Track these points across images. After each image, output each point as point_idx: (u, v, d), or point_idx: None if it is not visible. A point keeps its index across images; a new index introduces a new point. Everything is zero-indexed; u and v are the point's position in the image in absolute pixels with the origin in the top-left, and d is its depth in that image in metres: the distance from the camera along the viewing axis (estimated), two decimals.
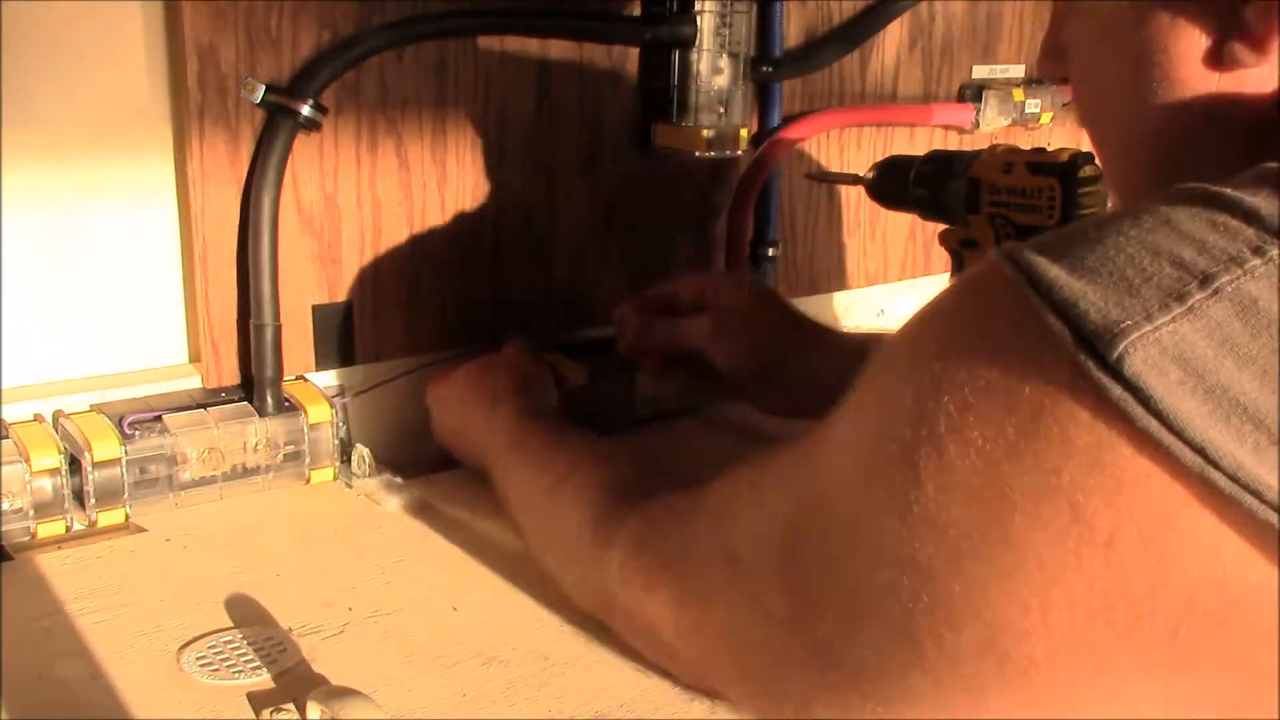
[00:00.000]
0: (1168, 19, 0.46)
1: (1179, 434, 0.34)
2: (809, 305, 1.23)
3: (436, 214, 0.96)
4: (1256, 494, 0.33)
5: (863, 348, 0.91)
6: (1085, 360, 0.35)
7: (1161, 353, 0.35)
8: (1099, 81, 0.52)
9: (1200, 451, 0.34)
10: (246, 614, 0.70)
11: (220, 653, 0.65)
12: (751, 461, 0.53)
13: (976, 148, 0.93)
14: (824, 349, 0.87)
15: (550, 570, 0.72)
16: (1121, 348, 0.35)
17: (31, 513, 0.77)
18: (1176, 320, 0.35)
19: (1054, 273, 0.37)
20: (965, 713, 0.41)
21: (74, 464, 0.80)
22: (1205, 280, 0.35)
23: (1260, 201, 0.36)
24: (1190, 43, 0.46)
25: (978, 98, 1.26)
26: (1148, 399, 0.34)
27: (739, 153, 1.05)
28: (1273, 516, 0.33)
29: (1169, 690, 0.38)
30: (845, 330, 0.91)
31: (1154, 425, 0.34)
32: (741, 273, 1.12)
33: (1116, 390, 0.35)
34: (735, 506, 0.53)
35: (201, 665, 0.64)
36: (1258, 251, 0.35)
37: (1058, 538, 0.36)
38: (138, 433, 0.82)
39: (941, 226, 0.96)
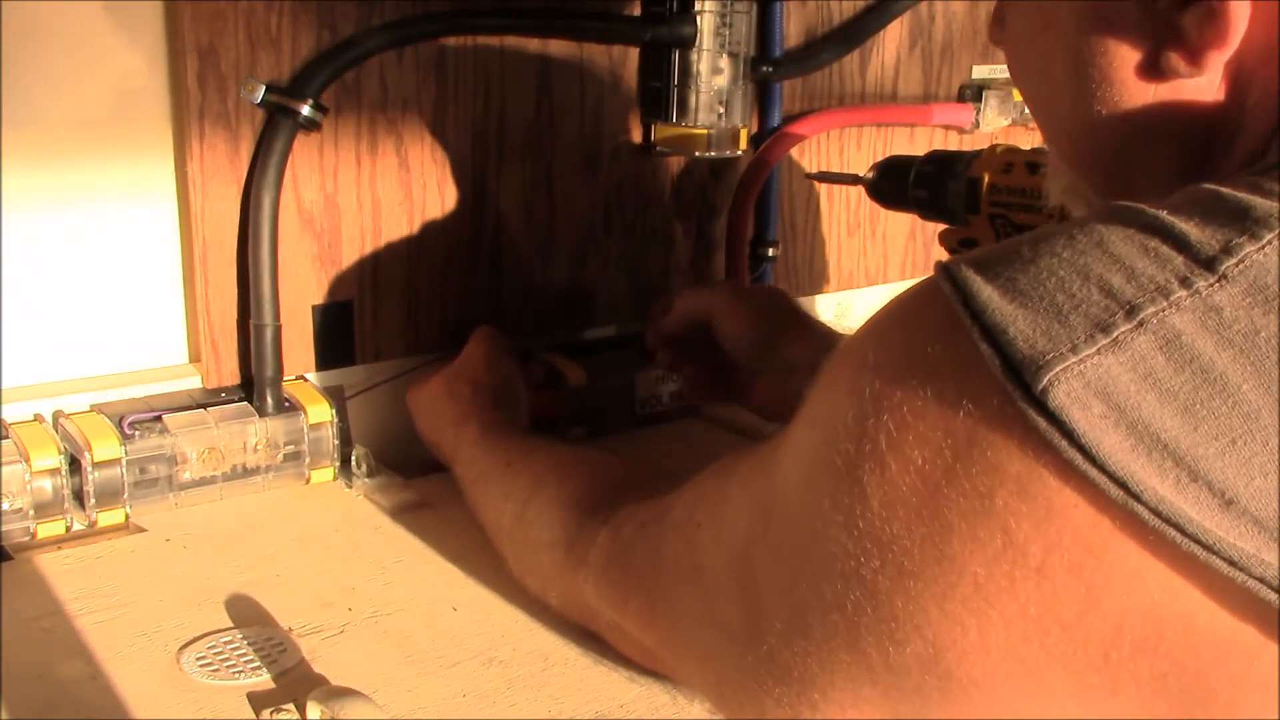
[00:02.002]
0: (1104, 27, 0.45)
1: (1101, 467, 0.34)
2: (809, 306, 1.23)
3: (436, 214, 0.96)
4: (1178, 526, 0.34)
5: None
6: (1013, 389, 0.35)
7: (1085, 386, 0.35)
8: (1038, 72, 0.50)
9: (1123, 485, 0.34)
10: (246, 614, 0.70)
11: (220, 653, 0.65)
12: (717, 470, 0.54)
13: (976, 148, 0.93)
14: (817, 343, 0.88)
15: (533, 592, 0.71)
16: (1046, 380, 0.35)
17: (31, 513, 0.77)
18: (1101, 353, 0.35)
19: (987, 294, 0.37)
20: None
21: (74, 464, 0.80)
22: (1131, 311, 0.35)
23: (1191, 228, 0.36)
24: (1125, 52, 0.44)
25: (978, 98, 1.26)
26: (1070, 432, 0.34)
27: (739, 153, 1.05)
28: (1195, 548, 0.34)
29: (1103, 710, 0.38)
30: (834, 329, 0.92)
31: (1078, 458, 0.34)
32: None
33: (1041, 423, 0.35)
34: (699, 519, 0.53)
35: (201, 665, 0.64)
36: (1184, 283, 0.35)
37: (992, 560, 0.36)
38: (138, 433, 0.82)
39: (941, 226, 0.96)
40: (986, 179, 0.89)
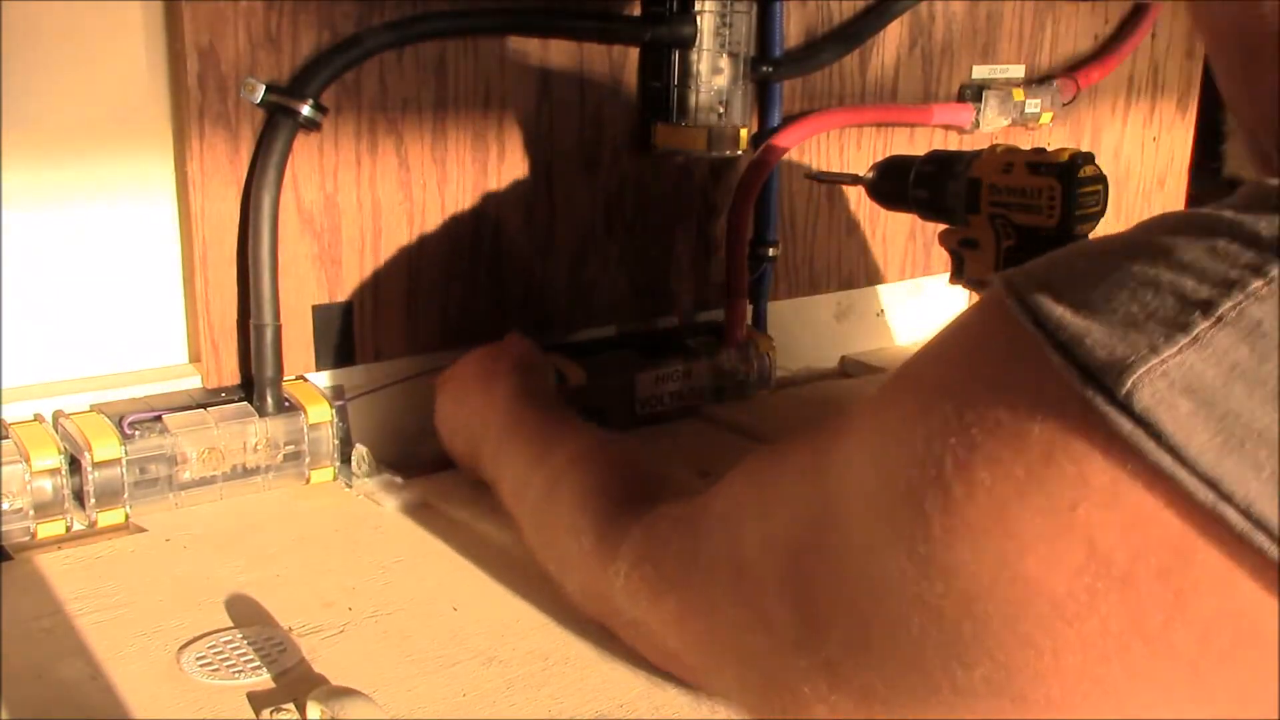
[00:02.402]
0: None
1: (1191, 468, 0.33)
2: (809, 305, 1.23)
3: (436, 214, 0.96)
4: (1267, 530, 0.33)
5: None
6: (1094, 396, 0.35)
7: (1170, 385, 0.34)
8: (1238, 24, 0.46)
9: (1213, 485, 0.33)
10: (246, 614, 0.70)
11: (220, 653, 0.65)
12: (756, 469, 0.53)
13: (976, 148, 0.93)
14: None
15: (549, 572, 0.71)
16: (1130, 382, 0.34)
17: (31, 513, 0.77)
18: (1183, 351, 0.34)
19: (1059, 312, 0.37)
20: None
21: (74, 464, 0.80)
22: (1208, 308, 0.35)
23: (1258, 222, 0.36)
24: None
25: (978, 98, 1.26)
26: (1159, 433, 0.34)
27: (739, 153, 1.05)
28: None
29: None
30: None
31: (1166, 460, 0.34)
32: (737, 309, 1.12)
33: (1127, 425, 0.34)
34: (741, 516, 0.52)
35: (201, 665, 0.64)
36: (1258, 272, 0.34)
37: (1073, 575, 0.36)
38: (138, 433, 0.82)
39: (941, 226, 0.96)
40: (986, 179, 0.89)
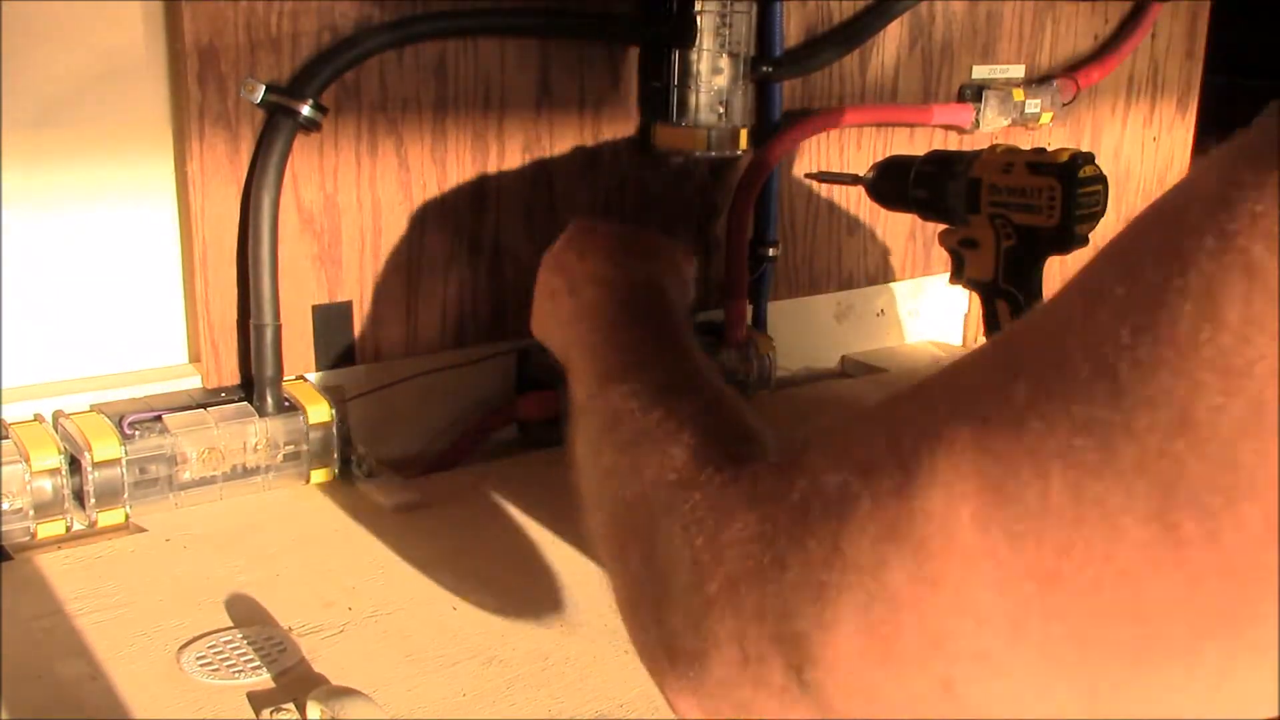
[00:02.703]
0: None
1: None
2: (809, 305, 1.23)
3: (436, 214, 0.96)
4: None
5: None
6: None
7: None
8: None
9: None
10: (246, 614, 0.70)
11: (220, 653, 0.65)
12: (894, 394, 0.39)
13: (976, 148, 0.93)
14: None
15: (591, 480, 0.54)
16: None
17: (31, 513, 0.77)
18: None
19: None
20: (1226, 627, 0.31)
21: (74, 464, 0.80)
22: None
23: None
24: None
25: (978, 98, 1.26)
26: None
27: (739, 153, 1.05)
28: None
29: None
30: None
31: None
32: (737, 309, 1.08)
33: None
34: (868, 423, 0.38)
35: (201, 665, 0.64)
36: None
37: None
38: (138, 433, 0.82)
39: (941, 226, 0.96)
40: (987, 179, 0.89)
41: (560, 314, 0.66)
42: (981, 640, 0.33)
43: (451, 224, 0.97)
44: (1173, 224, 0.33)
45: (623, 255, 0.67)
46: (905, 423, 0.36)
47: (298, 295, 0.91)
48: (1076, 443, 0.32)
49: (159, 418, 0.84)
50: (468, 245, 0.99)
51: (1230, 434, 0.30)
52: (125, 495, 0.81)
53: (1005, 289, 0.92)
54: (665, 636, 0.43)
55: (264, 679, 0.63)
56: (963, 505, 0.33)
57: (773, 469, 0.41)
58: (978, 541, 0.33)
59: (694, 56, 0.99)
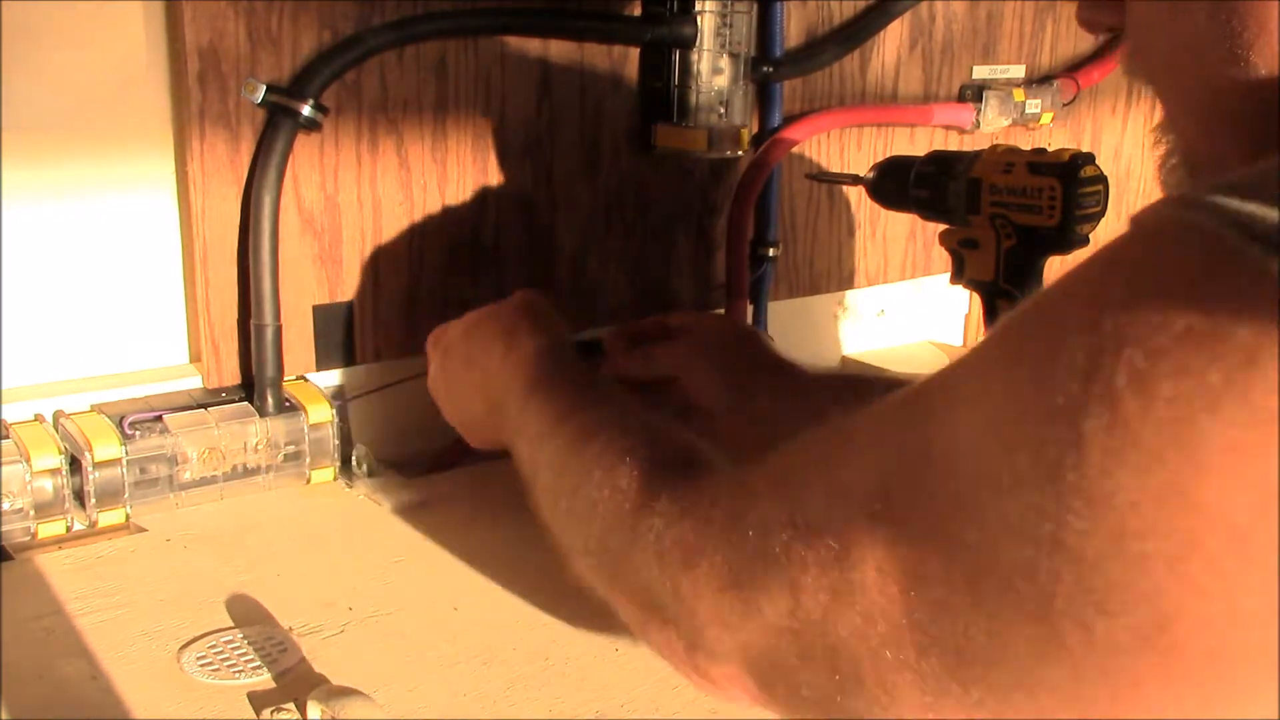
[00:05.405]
0: None
1: None
2: (809, 305, 1.23)
3: (436, 214, 0.96)
4: None
5: (833, 387, 0.86)
6: None
7: None
8: (1172, 35, 0.45)
9: None
10: (247, 614, 0.70)
11: (220, 653, 0.65)
12: (818, 434, 0.46)
13: (977, 148, 0.93)
14: (795, 390, 0.81)
15: (557, 527, 0.61)
16: None
17: (32, 513, 0.77)
18: None
19: (1250, 208, 0.33)
20: (1106, 709, 0.35)
21: (74, 464, 0.80)
22: None
23: None
24: None
25: (978, 98, 1.26)
26: None
27: (739, 153, 1.05)
28: None
29: None
30: (818, 371, 0.86)
31: None
32: (737, 309, 1.10)
33: None
34: (806, 471, 0.45)
35: (202, 665, 0.64)
36: None
37: (1261, 502, 0.31)
38: (138, 433, 0.82)
39: (942, 226, 0.96)
40: (987, 179, 0.89)
41: (488, 376, 0.75)
42: (898, 681, 0.40)
43: (452, 223, 0.97)
44: (1048, 331, 0.37)
45: (531, 325, 0.76)
46: (841, 497, 0.43)
47: (298, 295, 0.91)
48: (969, 538, 0.37)
49: (159, 418, 0.84)
50: (468, 245, 0.99)
51: (1096, 557, 0.34)
52: (126, 495, 0.81)
53: (1006, 289, 0.92)
54: (680, 650, 0.51)
55: (264, 679, 0.63)
56: (890, 582, 0.39)
57: (726, 514, 0.48)
58: (901, 613, 0.39)
59: (694, 56, 0.99)
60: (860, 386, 0.77)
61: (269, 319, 0.87)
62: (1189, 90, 0.47)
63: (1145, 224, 0.36)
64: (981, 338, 0.40)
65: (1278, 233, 0.32)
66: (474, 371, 0.78)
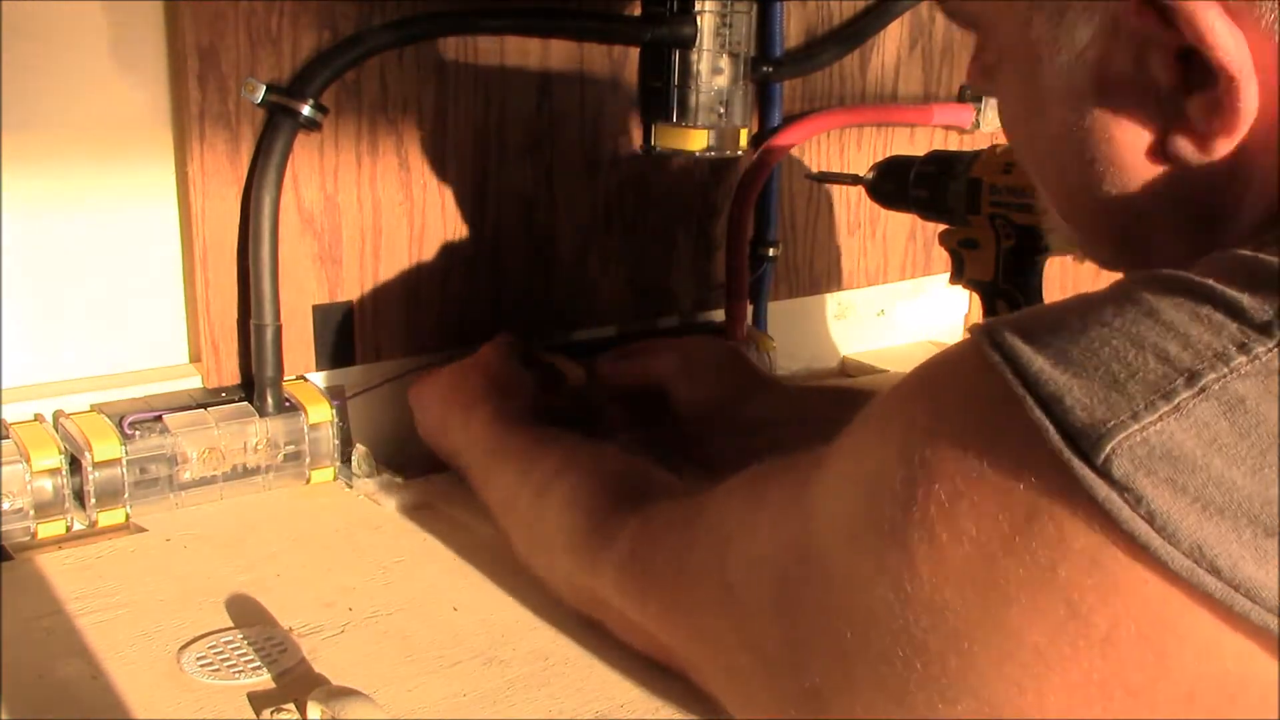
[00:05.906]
0: (1108, 112, 0.43)
1: (1169, 536, 0.33)
2: (809, 305, 1.23)
3: (436, 214, 0.96)
4: (1250, 595, 0.33)
5: (817, 399, 0.92)
6: (1072, 459, 0.35)
7: (1149, 453, 0.34)
8: (1039, 151, 0.49)
9: (1192, 553, 0.33)
10: (247, 614, 0.70)
11: (220, 653, 0.65)
12: (749, 485, 0.52)
13: (977, 148, 0.93)
14: (780, 401, 0.87)
15: (538, 572, 0.71)
16: (1109, 448, 0.34)
17: (32, 513, 0.77)
18: (1164, 419, 0.34)
19: (1038, 364, 0.36)
20: None
21: (74, 464, 0.80)
22: (1192, 378, 0.34)
23: (1240, 295, 0.35)
24: (1132, 137, 0.43)
25: (978, 98, 1.26)
26: (1138, 499, 0.34)
27: (739, 153, 1.04)
28: (1270, 620, 0.33)
29: None
30: (802, 385, 0.92)
31: (1142, 528, 0.34)
32: (737, 309, 1.12)
33: (1104, 490, 0.34)
34: (729, 534, 0.52)
35: (201, 665, 0.64)
36: (1243, 349, 0.34)
37: (1054, 630, 0.36)
38: (138, 433, 0.82)
39: (941, 226, 0.96)
40: (987, 179, 0.89)
41: (456, 446, 0.84)
42: None
43: (452, 223, 0.97)
44: (878, 451, 0.42)
45: (485, 391, 0.85)
46: (756, 567, 0.49)
47: (298, 295, 0.91)
48: (842, 626, 0.43)
49: (159, 418, 0.84)
50: (468, 245, 0.99)
51: (938, 650, 0.38)
52: (125, 495, 0.81)
53: (1005, 289, 0.92)
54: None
55: (264, 679, 0.63)
56: (787, 654, 0.46)
57: (666, 559, 0.56)
58: (789, 680, 0.46)
59: (694, 56, 0.99)
60: (844, 398, 0.82)
61: (269, 319, 0.87)
62: (1054, 196, 0.50)
63: (960, 352, 0.41)
64: (854, 421, 0.45)
65: (1047, 391, 0.36)
66: (445, 439, 0.87)
